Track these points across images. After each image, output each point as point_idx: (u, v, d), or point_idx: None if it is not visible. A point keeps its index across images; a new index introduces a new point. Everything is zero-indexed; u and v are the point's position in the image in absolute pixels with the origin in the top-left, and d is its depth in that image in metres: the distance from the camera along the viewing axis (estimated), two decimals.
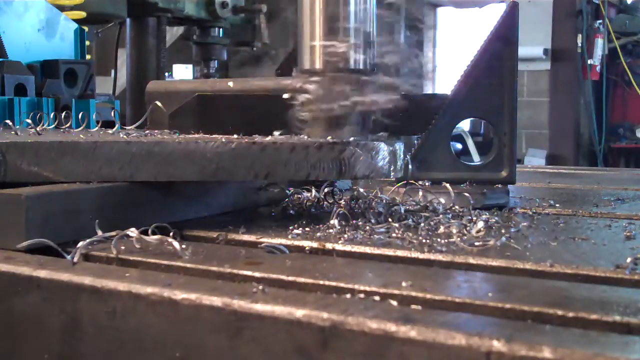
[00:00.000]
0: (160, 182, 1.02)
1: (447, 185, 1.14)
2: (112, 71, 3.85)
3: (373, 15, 1.12)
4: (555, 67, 7.89)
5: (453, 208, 1.10)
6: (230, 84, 1.33)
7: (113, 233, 0.88)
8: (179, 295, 0.70)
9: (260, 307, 0.66)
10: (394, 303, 0.68)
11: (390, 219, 1.02)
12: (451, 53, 9.33)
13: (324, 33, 1.09)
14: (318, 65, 1.09)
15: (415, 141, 1.31)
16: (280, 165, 1.01)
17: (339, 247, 0.89)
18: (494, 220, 1.05)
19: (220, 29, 3.75)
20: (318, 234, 0.95)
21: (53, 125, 1.40)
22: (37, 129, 1.26)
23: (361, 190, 1.22)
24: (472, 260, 0.83)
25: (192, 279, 0.77)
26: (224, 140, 1.02)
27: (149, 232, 0.89)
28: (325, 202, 1.18)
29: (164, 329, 0.71)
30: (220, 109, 1.23)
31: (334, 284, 0.74)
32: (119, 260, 0.85)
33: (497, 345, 0.56)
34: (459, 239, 0.90)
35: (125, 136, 1.20)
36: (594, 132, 8.12)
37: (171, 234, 0.89)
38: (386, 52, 1.13)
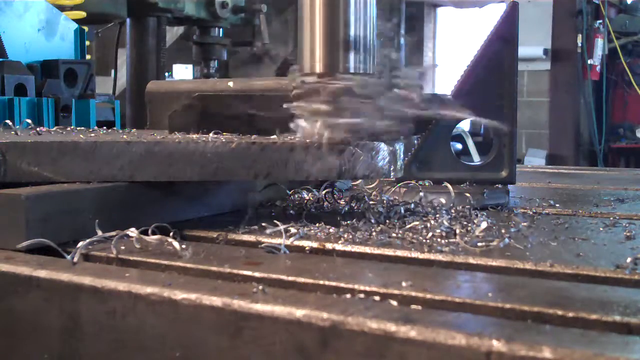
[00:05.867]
0: (160, 182, 1.02)
1: (448, 185, 1.14)
2: (112, 71, 3.85)
3: (374, 17, 1.12)
4: (555, 67, 7.89)
5: (453, 208, 1.10)
6: (230, 84, 1.33)
7: (113, 233, 0.88)
8: (179, 295, 0.70)
9: (260, 307, 0.66)
10: (394, 303, 0.68)
11: (390, 219, 1.03)
12: (451, 53, 9.34)
13: (324, 35, 1.09)
14: (318, 68, 1.09)
15: (415, 141, 1.31)
16: (280, 165, 1.01)
17: (339, 247, 0.89)
18: (494, 220, 1.05)
19: (220, 29, 3.75)
20: (318, 234, 0.95)
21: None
22: (37, 129, 1.26)
23: (361, 190, 1.22)
24: (472, 260, 0.83)
25: (192, 279, 0.77)
26: (224, 140, 1.02)
27: (149, 232, 0.89)
28: (325, 202, 1.18)
29: (164, 329, 0.71)
30: (221, 109, 1.23)
31: (334, 284, 0.74)
32: (119, 260, 0.85)
33: (497, 345, 0.56)
34: (458, 239, 0.90)
35: (125, 136, 1.20)
36: (594, 132, 8.12)
37: (171, 234, 0.89)
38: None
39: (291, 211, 1.14)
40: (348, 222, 1.01)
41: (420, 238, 0.92)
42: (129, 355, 0.73)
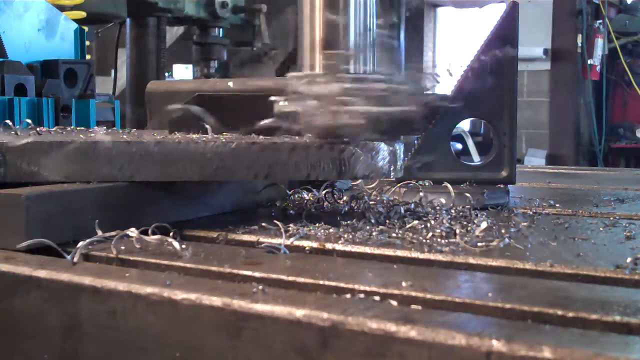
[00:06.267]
0: (160, 182, 1.02)
1: (448, 185, 1.14)
2: (112, 71, 3.85)
3: (374, 17, 1.12)
4: (555, 67, 7.89)
5: (453, 208, 1.10)
6: (230, 84, 1.33)
7: (113, 233, 0.88)
8: (179, 295, 0.70)
9: (260, 307, 0.66)
10: (394, 303, 0.68)
11: (390, 219, 1.03)
12: (451, 53, 9.33)
13: (324, 36, 1.09)
14: (318, 69, 1.09)
15: (415, 141, 1.31)
16: (280, 165, 1.01)
17: (339, 247, 0.89)
18: (494, 220, 1.05)
19: (220, 29, 3.75)
20: (318, 234, 0.95)
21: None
22: (37, 129, 1.26)
23: (361, 190, 1.22)
24: (472, 260, 0.83)
25: (192, 279, 0.77)
26: (224, 140, 1.02)
27: (149, 232, 0.89)
28: (325, 202, 1.18)
29: (164, 329, 0.71)
30: (221, 109, 1.23)
31: (334, 284, 0.74)
32: (119, 260, 0.85)
33: (497, 345, 0.56)
34: (458, 239, 0.90)
35: (125, 136, 1.20)
36: (594, 132, 8.12)
37: (171, 234, 0.89)
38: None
39: (291, 211, 1.14)
40: (348, 222, 1.01)
41: (420, 238, 0.92)
42: (129, 355, 0.73)
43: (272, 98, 1.06)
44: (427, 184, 1.26)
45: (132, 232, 0.88)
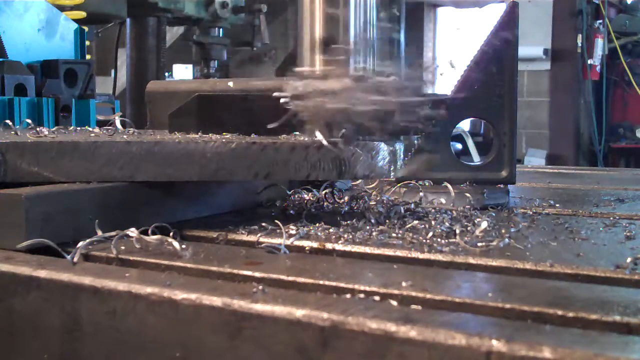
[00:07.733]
0: (160, 182, 1.02)
1: (448, 185, 1.14)
2: (112, 71, 3.85)
3: (373, 17, 1.12)
4: (555, 67, 7.89)
5: (453, 208, 1.10)
6: (230, 84, 1.33)
7: (113, 233, 0.88)
8: (179, 295, 0.70)
9: (260, 307, 0.66)
10: (394, 303, 0.68)
11: (390, 219, 1.03)
12: (451, 53, 9.33)
13: (324, 36, 1.09)
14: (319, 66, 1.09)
15: (415, 141, 1.31)
16: (280, 165, 1.01)
17: (339, 247, 0.89)
18: (494, 220, 1.05)
19: (220, 29, 3.76)
20: (318, 234, 0.95)
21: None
22: (37, 129, 1.26)
23: (361, 190, 1.22)
24: (472, 260, 0.83)
25: (192, 279, 0.77)
26: (224, 140, 1.02)
27: (149, 232, 0.89)
28: (325, 202, 1.18)
29: (164, 329, 0.71)
30: (221, 109, 1.23)
31: (334, 284, 0.74)
32: (119, 260, 0.85)
33: (497, 345, 0.56)
34: (458, 239, 0.90)
35: (125, 136, 1.20)
36: (594, 132, 8.12)
37: (171, 234, 0.89)
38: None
39: (291, 211, 1.14)
40: (348, 222, 1.01)
41: (420, 238, 0.92)
42: (129, 355, 0.73)
43: (276, 94, 1.06)
44: (427, 184, 1.26)
45: (132, 232, 0.88)
